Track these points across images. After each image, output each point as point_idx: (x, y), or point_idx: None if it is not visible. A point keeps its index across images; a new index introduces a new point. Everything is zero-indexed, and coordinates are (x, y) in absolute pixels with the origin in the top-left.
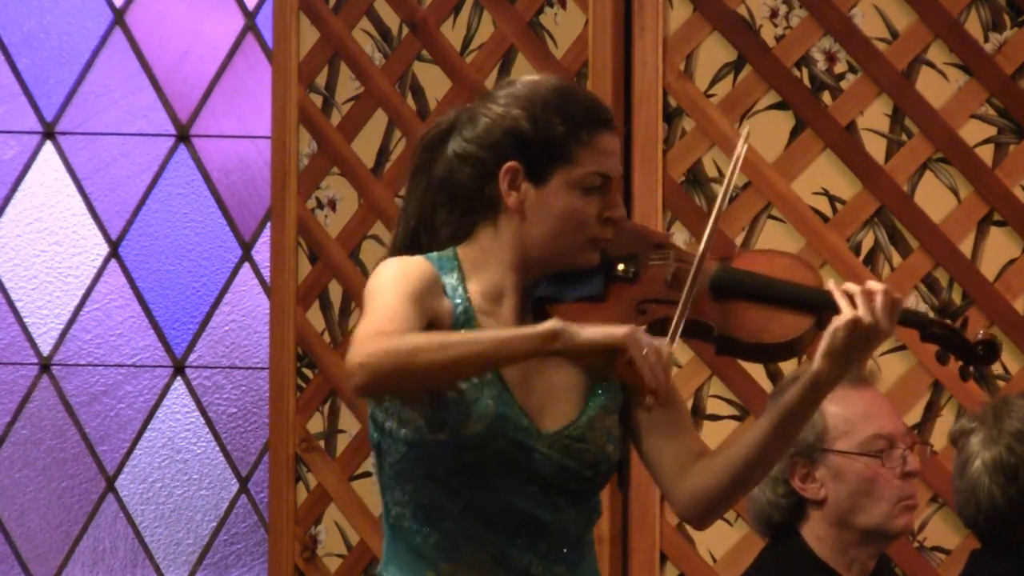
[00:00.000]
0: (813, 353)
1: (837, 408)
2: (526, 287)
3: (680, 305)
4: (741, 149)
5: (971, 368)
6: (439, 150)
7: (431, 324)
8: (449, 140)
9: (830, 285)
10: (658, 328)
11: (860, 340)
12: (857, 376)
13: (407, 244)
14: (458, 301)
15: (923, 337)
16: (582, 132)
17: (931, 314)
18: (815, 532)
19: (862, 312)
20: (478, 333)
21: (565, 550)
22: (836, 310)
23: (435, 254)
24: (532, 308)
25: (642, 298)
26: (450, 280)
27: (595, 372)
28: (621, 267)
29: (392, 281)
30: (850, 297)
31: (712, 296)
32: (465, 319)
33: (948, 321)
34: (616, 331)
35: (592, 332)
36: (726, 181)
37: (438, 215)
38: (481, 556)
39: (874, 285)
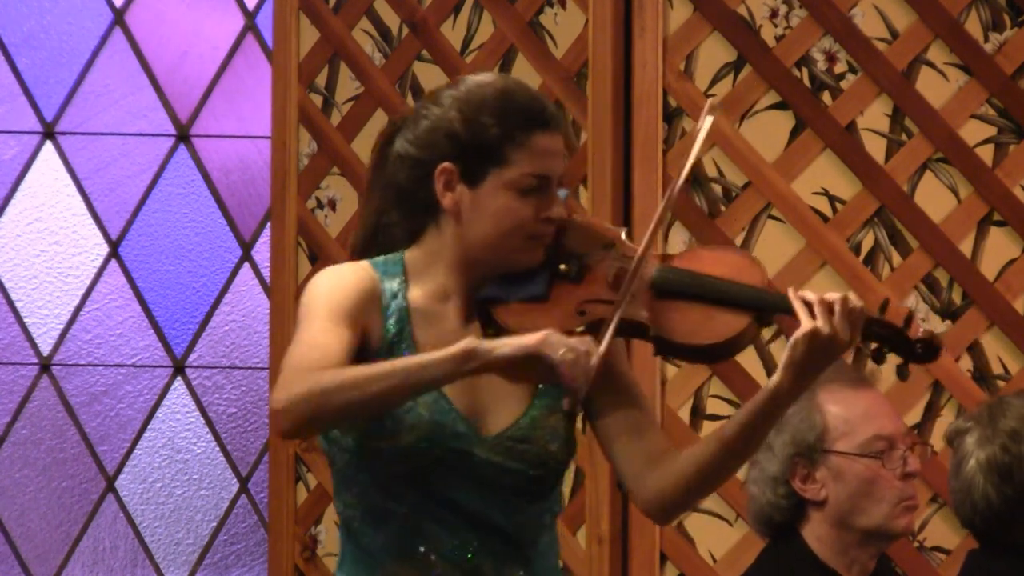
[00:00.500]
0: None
1: (837, 409)
2: (471, 287)
3: (615, 305)
4: (703, 122)
5: (908, 366)
6: (388, 149)
7: (364, 335)
8: (395, 139)
9: (789, 293)
10: (596, 328)
11: (820, 351)
12: (857, 376)
13: (367, 245)
14: (392, 311)
15: (862, 336)
16: (516, 133)
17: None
18: (815, 533)
19: (820, 323)
20: (392, 364)
21: (521, 550)
22: (776, 310)
23: (381, 259)
24: (476, 309)
25: (584, 298)
26: (391, 285)
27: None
28: (564, 267)
29: (323, 299)
30: (808, 306)
31: (652, 296)
32: (398, 329)
33: (884, 319)
34: (529, 339)
35: (505, 345)
36: (687, 166)
37: (390, 215)
38: (430, 558)
39: (831, 295)
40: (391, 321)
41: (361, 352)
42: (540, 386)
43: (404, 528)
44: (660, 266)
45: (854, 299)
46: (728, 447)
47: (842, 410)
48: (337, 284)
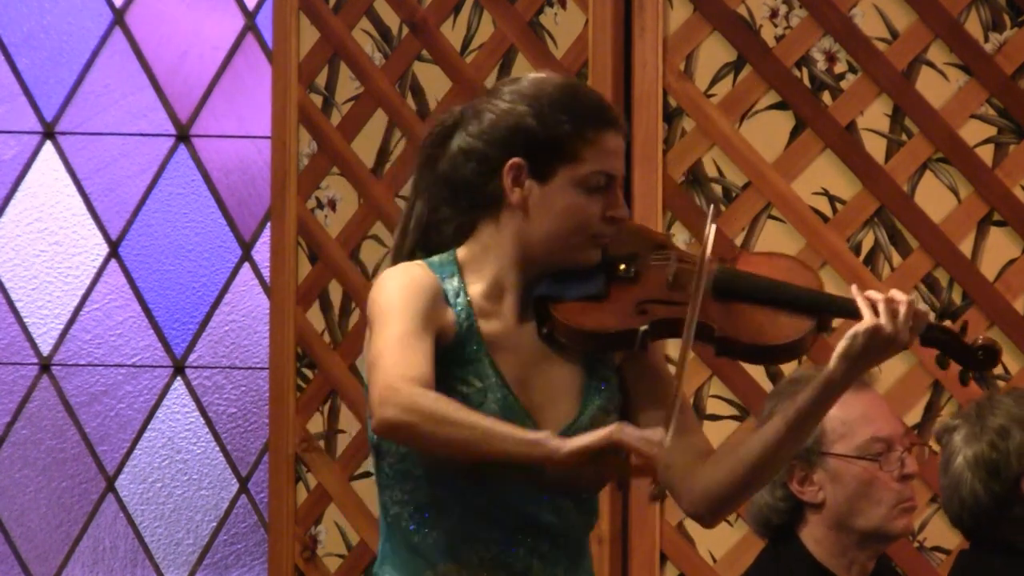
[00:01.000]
0: (814, 356)
1: (835, 411)
2: (526, 285)
3: (691, 306)
4: (709, 230)
5: (971, 372)
6: (443, 146)
7: (438, 336)
8: (454, 136)
9: (853, 291)
10: (659, 328)
11: (877, 348)
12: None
13: (420, 244)
14: (459, 308)
15: (923, 341)
16: (588, 131)
17: (942, 323)
18: (813, 535)
19: (884, 320)
20: (485, 424)
21: (566, 552)
22: (836, 313)
23: (436, 259)
24: (533, 306)
25: (643, 298)
26: (451, 285)
27: (593, 369)
28: (622, 267)
29: (399, 299)
30: (873, 304)
31: (713, 297)
32: (468, 325)
33: (948, 324)
34: (601, 433)
35: (577, 441)
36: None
37: (441, 211)
38: (481, 556)
39: (898, 295)
40: (461, 316)
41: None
42: (589, 387)
43: (456, 527)
44: (722, 268)
45: (920, 304)
46: (780, 442)
47: (840, 412)
48: (408, 284)
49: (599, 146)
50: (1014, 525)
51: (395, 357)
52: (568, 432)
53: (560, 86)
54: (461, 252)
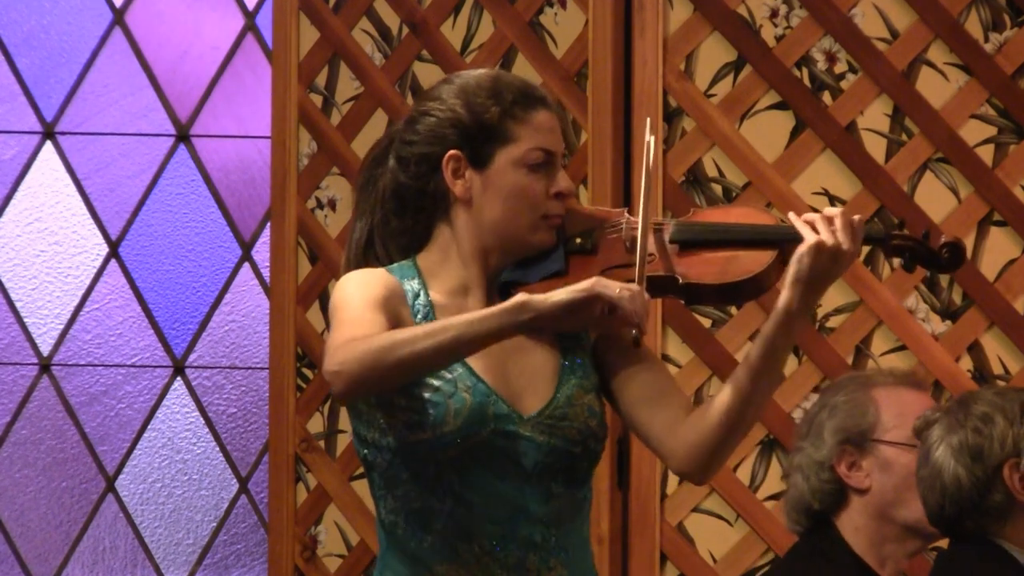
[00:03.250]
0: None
1: (891, 403)
2: (489, 278)
3: (639, 236)
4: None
5: (937, 273)
6: (382, 164)
7: (396, 327)
8: (389, 153)
9: (791, 217)
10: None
11: (825, 263)
12: (914, 380)
13: (361, 259)
14: (419, 307)
15: (886, 251)
16: (516, 109)
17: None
18: (854, 523)
19: (824, 235)
20: (446, 321)
21: (560, 540)
22: (797, 241)
23: (395, 265)
24: (500, 294)
25: (605, 266)
26: (411, 286)
27: (567, 350)
28: (578, 240)
29: (357, 290)
30: (811, 224)
31: (676, 251)
32: (427, 321)
33: (906, 232)
34: (581, 285)
35: (558, 293)
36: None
37: (391, 225)
38: (476, 553)
39: (831, 210)
40: (418, 317)
41: None
42: (564, 367)
43: (449, 527)
44: (678, 220)
45: (852, 213)
46: (751, 380)
47: (895, 404)
48: (365, 280)
49: (530, 123)
50: (992, 514)
51: (344, 332)
52: (545, 413)
53: (482, 75)
54: (421, 258)
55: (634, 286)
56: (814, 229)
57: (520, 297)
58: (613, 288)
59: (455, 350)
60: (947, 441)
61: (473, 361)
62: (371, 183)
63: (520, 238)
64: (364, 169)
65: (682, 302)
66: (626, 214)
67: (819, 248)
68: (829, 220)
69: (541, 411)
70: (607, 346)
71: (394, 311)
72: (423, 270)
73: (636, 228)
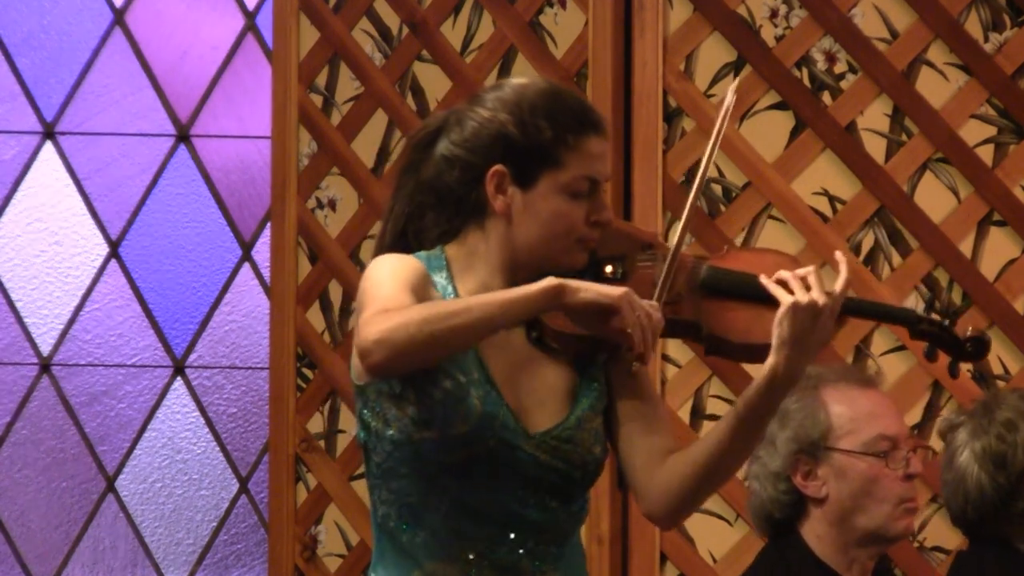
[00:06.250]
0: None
1: (842, 408)
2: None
3: (665, 268)
4: (730, 100)
5: (959, 364)
6: (428, 151)
7: None
8: (438, 141)
9: (761, 279)
10: None
11: (803, 323)
12: (863, 377)
13: (394, 244)
14: (448, 297)
15: (912, 334)
16: (569, 136)
17: (931, 315)
18: (815, 531)
19: (798, 295)
20: (481, 297)
21: (553, 548)
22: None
23: (424, 253)
24: None
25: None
26: (439, 278)
27: (584, 371)
28: (609, 269)
29: (389, 273)
30: (783, 284)
31: (701, 295)
32: None
33: (936, 317)
34: (612, 291)
35: (590, 290)
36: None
37: (427, 216)
38: (468, 554)
39: (803, 269)
40: None
41: None
42: (582, 387)
43: (442, 525)
44: (708, 266)
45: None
46: (731, 439)
47: (847, 409)
48: (397, 264)
49: (581, 151)
50: (1014, 519)
51: (379, 308)
52: (552, 433)
53: (541, 91)
54: (450, 249)
55: (655, 312)
56: (788, 290)
57: (556, 280)
58: (636, 310)
59: (493, 326)
60: (971, 447)
61: (492, 364)
62: (413, 167)
63: (552, 259)
64: (406, 152)
65: (702, 348)
66: (659, 238)
67: (795, 309)
68: (803, 280)
69: (549, 431)
70: (610, 367)
71: (424, 297)
72: (451, 263)
73: (665, 260)
